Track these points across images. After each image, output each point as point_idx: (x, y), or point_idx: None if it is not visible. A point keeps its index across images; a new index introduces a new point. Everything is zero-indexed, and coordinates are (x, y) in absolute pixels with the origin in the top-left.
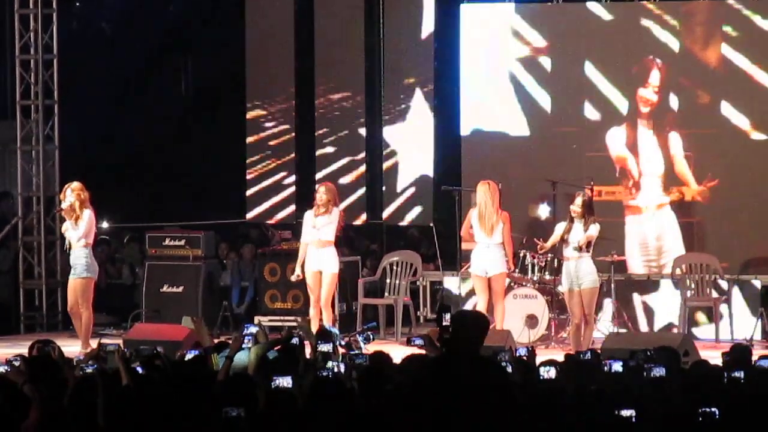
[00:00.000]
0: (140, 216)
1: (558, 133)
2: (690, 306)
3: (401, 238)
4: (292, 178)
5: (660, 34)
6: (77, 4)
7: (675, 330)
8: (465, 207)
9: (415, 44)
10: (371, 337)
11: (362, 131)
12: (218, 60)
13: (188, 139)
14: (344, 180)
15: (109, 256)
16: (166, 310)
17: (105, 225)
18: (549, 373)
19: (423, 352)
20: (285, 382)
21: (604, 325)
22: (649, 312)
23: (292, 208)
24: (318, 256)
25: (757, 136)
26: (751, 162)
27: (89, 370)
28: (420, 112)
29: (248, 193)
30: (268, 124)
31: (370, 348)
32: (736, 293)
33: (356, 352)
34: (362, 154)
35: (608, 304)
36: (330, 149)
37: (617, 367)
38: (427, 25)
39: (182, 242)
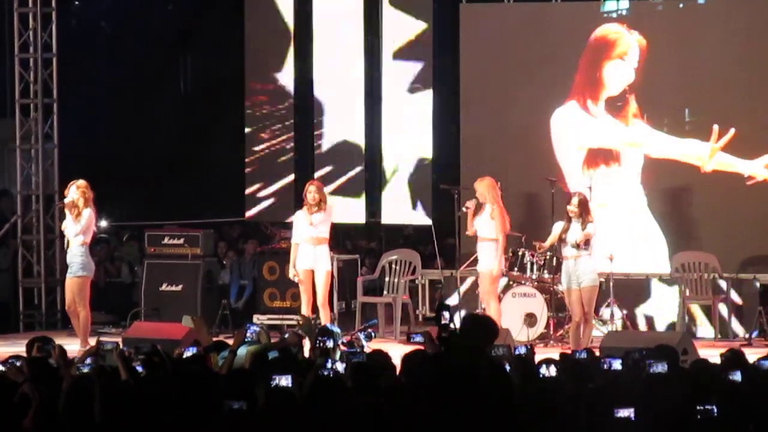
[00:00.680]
0: (139, 214)
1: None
2: (689, 304)
3: (400, 236)
4: (292, 177)
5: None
6: (76, 2)
7: (674, 329)
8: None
9: (415, 44)
10: (373, 334)
11: (362, 131)
12: (218, 59)
13: (187, 138)
14: (344, 179)
15: (108, 255)
16: (165, 309)
17: (104, 223)
18: (549, 371)
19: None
20: (285, 381)
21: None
22: (647, 311)
23: (291, 207)
24: (313, 254)
25: None
26: None
27: (85, 369)
28: (419, 112)
29: (247, 192)
30: (267, 124)
31: (371, 345)
32: (735, 292)
33: (355, 350)
34: (362, 154)
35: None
36: (330, 149)
37: (616, 365)
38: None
39: (181, 241)
